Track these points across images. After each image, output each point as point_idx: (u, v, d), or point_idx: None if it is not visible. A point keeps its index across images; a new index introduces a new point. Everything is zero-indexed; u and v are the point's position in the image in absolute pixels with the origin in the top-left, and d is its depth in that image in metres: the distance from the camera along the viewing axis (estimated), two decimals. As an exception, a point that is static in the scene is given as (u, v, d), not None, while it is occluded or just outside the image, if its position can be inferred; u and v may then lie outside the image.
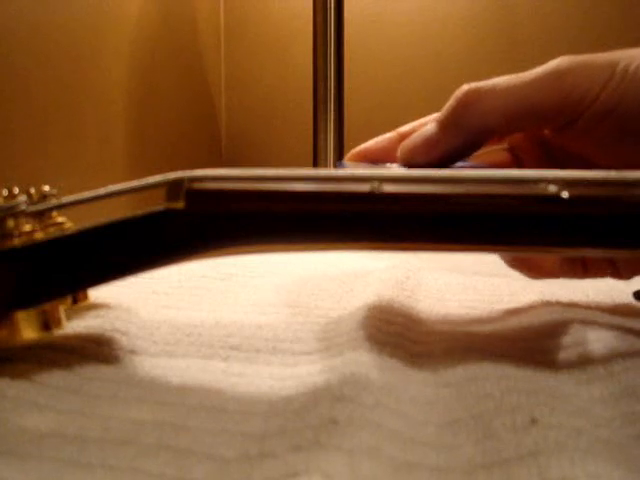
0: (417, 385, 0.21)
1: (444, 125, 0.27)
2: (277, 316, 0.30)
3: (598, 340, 0.24)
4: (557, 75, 0.25)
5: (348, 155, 0.31)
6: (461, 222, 0.22)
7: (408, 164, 0.28)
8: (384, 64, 0.98)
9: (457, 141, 0.27)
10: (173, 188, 0.22)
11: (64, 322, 0.23)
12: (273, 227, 0.22)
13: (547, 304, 0.31)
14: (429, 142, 0.27)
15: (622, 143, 0.26)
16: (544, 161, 0.29)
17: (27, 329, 0.22)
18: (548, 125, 0.27)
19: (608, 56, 0.25)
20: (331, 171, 0.23)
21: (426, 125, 0.28)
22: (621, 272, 0.30)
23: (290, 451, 0.16)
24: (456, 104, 0.26)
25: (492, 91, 0.26)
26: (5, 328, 0.22)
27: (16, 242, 0.22)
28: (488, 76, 0.26)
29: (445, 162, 0.27)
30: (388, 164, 0.30)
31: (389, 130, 0.31)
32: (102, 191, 0.23)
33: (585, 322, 0.27)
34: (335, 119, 0.79)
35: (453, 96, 0.27)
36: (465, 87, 0.26)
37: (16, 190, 0.23)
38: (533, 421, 0.17)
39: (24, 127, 0.56)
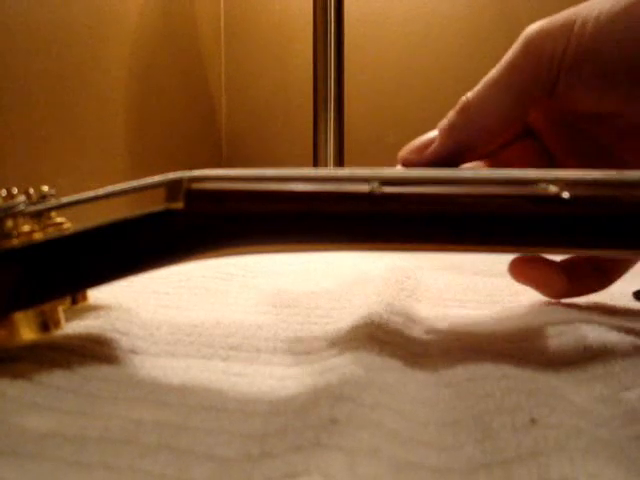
0: (417, 385, 0.21)
1: (442, 129, 0.28)
2: (277, 316, 0.30)
3: (598, 340, 0.24)
4: (523, 47, 0.26)
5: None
6: (461, 222, 0.22)
7: (405, 165, 0.28)
8: (384, 64, 0.98)
9: (452, 143, 0.28)
10: (173, 188, 0.22)
11: (63, 323, 0.23)
12: (273, 227, 0.22)
13: (547, 304, 0.31)
14: (426, 143, 0.28)
15: (608, 89, 0.26)
16: (568, 138, 0.30)
17: (26, 330, 0.22)
18: (538, 97, 0.27)
19: (566, 14, 0.26)
20: (331, 171, 0.23)
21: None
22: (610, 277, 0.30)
23: (290, 451, 0.16)
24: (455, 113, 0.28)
25: (480, 95, 0.27)
26: (4, 329, 0.22)
27: (15, 243, 0.22)
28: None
29: (442, 164, 0.28)
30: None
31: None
32: (102, 191, 0.23)
33: (585, 322, 0.27)
34: (335, 119, 0.79)
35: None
36: (463, 97, 0.27)
37: (15, 190, 0.23)
38: (533, 421, 0.17)
39: (23, 127, 0.56)
